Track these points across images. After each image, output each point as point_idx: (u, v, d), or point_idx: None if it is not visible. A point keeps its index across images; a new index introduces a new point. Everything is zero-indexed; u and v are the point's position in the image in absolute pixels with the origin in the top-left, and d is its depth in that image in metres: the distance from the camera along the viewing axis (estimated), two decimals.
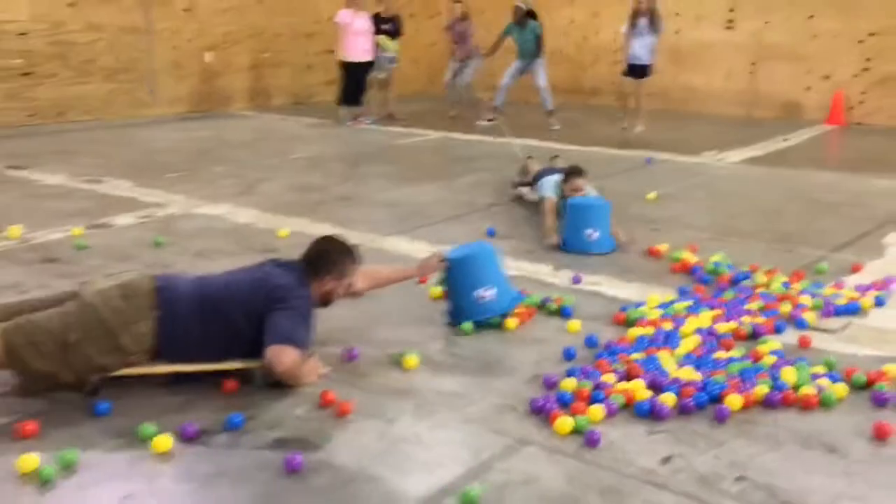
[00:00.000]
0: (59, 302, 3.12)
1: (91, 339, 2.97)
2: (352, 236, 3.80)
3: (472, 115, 11.04)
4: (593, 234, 5.02)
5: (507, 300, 3.88)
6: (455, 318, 3.87)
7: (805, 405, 3.05)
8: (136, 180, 6.98)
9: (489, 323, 3.81)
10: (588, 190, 5.47)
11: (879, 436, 2.84)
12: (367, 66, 10.69)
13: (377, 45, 10.78)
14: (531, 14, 10.42)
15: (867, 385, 3.20)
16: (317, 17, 12.57)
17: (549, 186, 5.59)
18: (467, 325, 3.79)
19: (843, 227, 5.80)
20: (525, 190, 6.32)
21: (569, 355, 3.49)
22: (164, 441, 2.73)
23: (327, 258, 3.35)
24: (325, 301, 3.39)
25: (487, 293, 3.79)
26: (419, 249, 5.02)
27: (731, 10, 12.38)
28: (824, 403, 3.07)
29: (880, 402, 3.09)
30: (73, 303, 3.06)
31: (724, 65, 12.50)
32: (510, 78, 10.70)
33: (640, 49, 10.17)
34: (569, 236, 5.11)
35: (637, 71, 10.34)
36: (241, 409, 2.96)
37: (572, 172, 5.52)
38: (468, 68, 11.32)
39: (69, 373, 2.98)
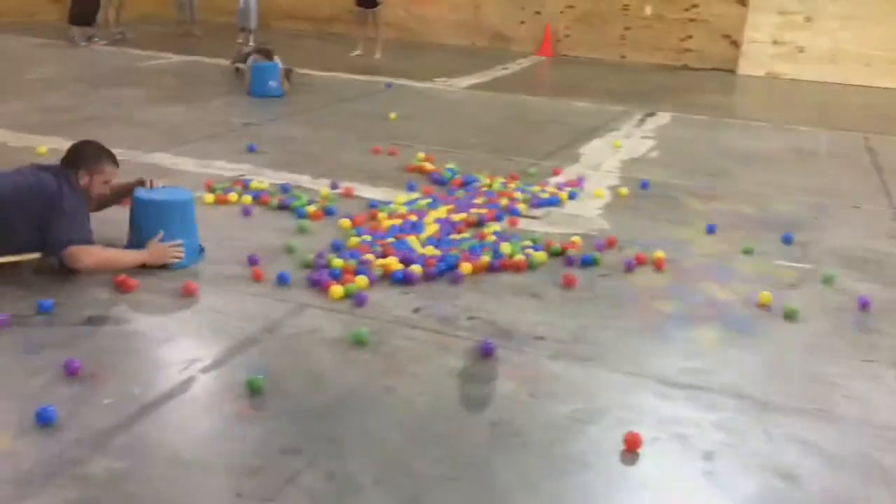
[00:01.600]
0: None
1: None
2: (115, 154, 3.95)
3: (212, 37, 11.14)
4: (273, 84, 8.09)
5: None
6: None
7: (517, 269, 3.99)
8: None
9: None
10: (277, 61, 8.36)
11: (567, 284, 3.85)
12: None
13: None
14: None
15: (561, 252, 4.22)
16: None
17: (250, 60, 8.45)
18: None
19: (548, 140, 6.98)
20: (242, 66, 8.60)
21: (336, 246, 4.16)
22: None
23: (80, 154, 3.72)
24: (88, 199, 3.70)
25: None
26: (185, 164, 5.41)
27: None
28: (531, 266, 4.04)
29: (569, 262, 4.12)
30: None
31: None
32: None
33: None
34: (254, 87, 8.08)
35: (366, 0, 11.04)
36: (49, 297, 3.32)
37: (259, 51, 8.64)
38: None
39: None
